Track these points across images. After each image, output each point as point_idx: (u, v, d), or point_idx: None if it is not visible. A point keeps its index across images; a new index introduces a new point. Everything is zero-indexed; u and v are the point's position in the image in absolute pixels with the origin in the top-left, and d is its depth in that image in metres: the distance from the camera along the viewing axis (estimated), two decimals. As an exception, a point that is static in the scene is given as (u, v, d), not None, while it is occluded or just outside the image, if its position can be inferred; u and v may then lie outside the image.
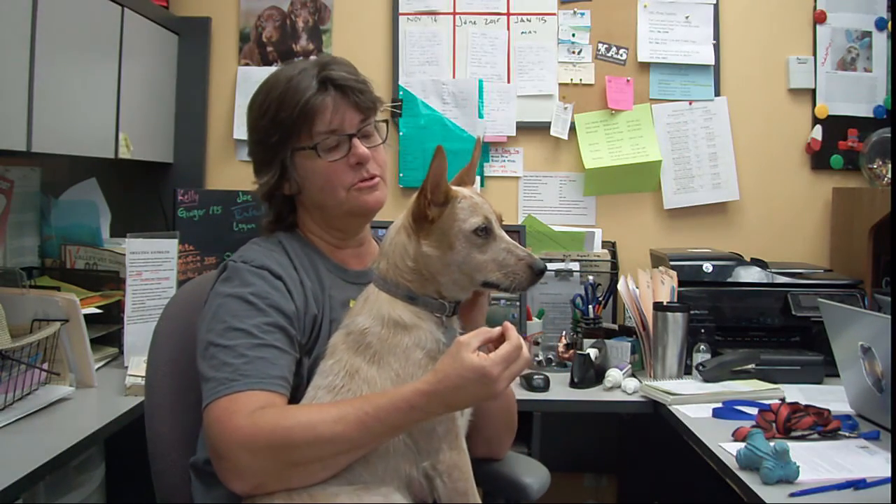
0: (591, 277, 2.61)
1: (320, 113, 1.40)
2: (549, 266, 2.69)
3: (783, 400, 1.92)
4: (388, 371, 1.27)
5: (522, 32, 2.98)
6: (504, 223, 1.38)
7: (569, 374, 2.29)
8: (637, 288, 2.44)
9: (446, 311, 1.34)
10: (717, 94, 2.97)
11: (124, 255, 2.18)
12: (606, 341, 2.40)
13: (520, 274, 1.30)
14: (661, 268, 2.51)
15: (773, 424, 1.75)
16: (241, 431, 1.18)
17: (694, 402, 2.06)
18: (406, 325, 1.30)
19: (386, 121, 1.51)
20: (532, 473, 1.59)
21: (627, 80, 2.96)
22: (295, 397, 1.31)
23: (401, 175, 2.96)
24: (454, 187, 1.35)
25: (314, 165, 1.42)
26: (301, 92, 1.39)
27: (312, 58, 1.51)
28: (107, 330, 2.22)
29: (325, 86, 1.41)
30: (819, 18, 2.95)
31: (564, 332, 2.51)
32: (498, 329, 1.24)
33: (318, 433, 1.19)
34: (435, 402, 1.20)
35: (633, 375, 2.29)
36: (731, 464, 1.58)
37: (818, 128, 2.96)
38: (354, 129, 1.43)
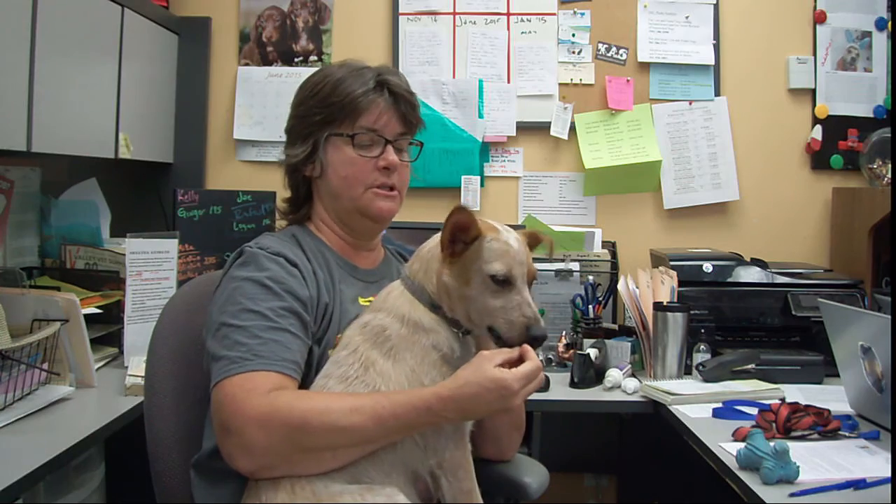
0: (591, 277, 2.61)
1: (368, 110, 1.46)
2: (549, 266, 2.71)
3: (783, 400, 1.92)
4: (404, 366, 1.28)
5: (522, 32, 2.98)
6: (504, 223, 1.37)
7: (569, 374, 2.29)
8: (637, 288, 2.44)
9: (462, 328, 1.34)
10: (717, 94, 2.97)
11: (124, 255, 2.18)
12: (606, 341, 2.40)
13: (517, 331, 1.27)
14: (661, 268, 2.51)
15: (773, 424, 1.75)
16: (258, 409, 1.19)
17: (694, 402, 2.06)
18: (425, 328, 1.31)
19: (421, 144, 1.56)
20: (531, 473, 1.59)
21: (627, 80, 2.96)
22: (304, 385, 1.31)
23: (401, 175, 2.95)
24: (496, 224, 1.34)
25: (344, 154, 1.47)
26: (358, 84, 1.46)
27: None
28: (107, 330, 2.22)
29: (382, 88, 1.48)
30: (819, 18, 2.95)
31: (564, 332, 2.51)
32: (517, 350, 1.26)
33: (334, 420, 1.19)
34: (451, 408, 1.21)
35: (633, 375, 2.29)
36: (731, 464, 1.58)
37: (818, 128, 2.96)
38: (392, 137, 1.49)
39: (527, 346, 1.26)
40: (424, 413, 1.21)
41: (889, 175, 2.74)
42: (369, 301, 1.45)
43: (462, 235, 1.29)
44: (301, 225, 1.55)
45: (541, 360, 2.49)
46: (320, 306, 1.39)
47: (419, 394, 1.23)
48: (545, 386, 2.22)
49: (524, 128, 2.97)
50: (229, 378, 1.23)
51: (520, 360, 1.26)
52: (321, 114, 1.47)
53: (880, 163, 2.78)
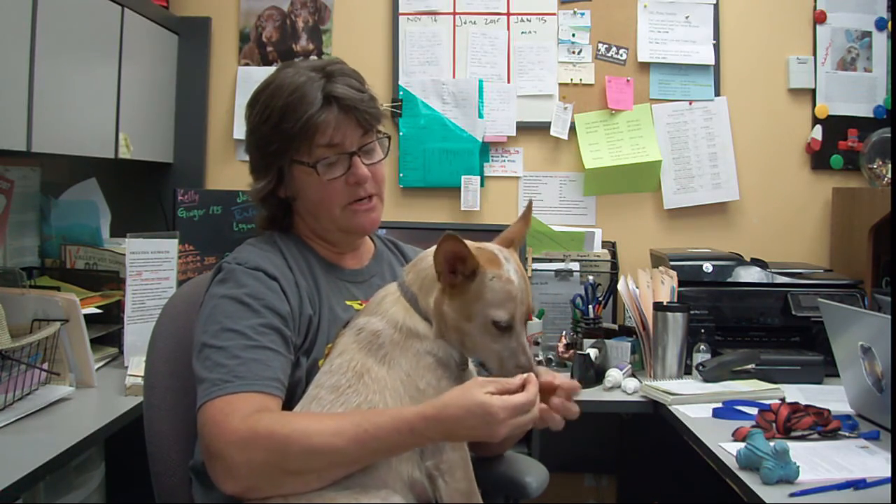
0: (591, 277, 2.61)
1: (322, 130, 1.39)
2: (549, 266, 2.71)
3: (783, 400, 1.92)
4: (399, 371, 1.27)
5: (522, 32, 2.98)
6: (504, 223, 1.37)
7: (569, 374, 2.29)
8: (637, 288, 2.43)
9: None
10: (717, 94, 2.97)
11: (124, 255, 2.18)
12: (606, 341, 2.40)
13: (507, 374, 1.25)
14: (661, 268, 2.51)
15: (773, 424, 1.75)
16: (238, 433, 1.18)
17: (694, 402, 2.06)
18: (419, 335, 1.30)
19: (388, 136, 1.50)
20: (531, 472, 1.59)
21: (627, 80, 2.96)
22: (293, 398, 1.31)
23: (401, 175, 2.96)
24: (494, 250, 1.30)
25: (311, 181, 1.42)
26: (305, 106, 1.38)
27: (313, 58, 1.51)
28: (107, 330, 2.22)
29: (329, 102, 1.40)
30: (819, 18, 2.95)
31: (564, 332, 2.51)
32: (518, 380, 1.21)
33: (314, 444, 1.18)
34: (434, 428, 1.18)
35: (633, 375, 2.29)
36: (731, 464, 1.58)
37: (818, 128, 2.96)
38: (355, 147, 1.43)
39: (532, 377, 1.22)
40: (408, 434, 1.18)
41: (889, 175, 2.74)
42: (359, 303, 1.44)
43: (460, 266, 1.26)
44: (284, 230, 1.51)
45: (540, 360, 2.50)
46: (303, 319, 1.37)
47: (403, 414, 1.20)
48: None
49: (524, 128, 2.97)
50: (211, 402, 1.22)
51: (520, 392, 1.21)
52: (276, 142, 1.41)
53: (880, 163, 2.78)
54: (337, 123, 1.40)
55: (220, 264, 1.41)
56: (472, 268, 1.26)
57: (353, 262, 1.52)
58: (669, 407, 2.04)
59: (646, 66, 2.97)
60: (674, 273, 2.45)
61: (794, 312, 2.41)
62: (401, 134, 2.96)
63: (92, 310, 2.10)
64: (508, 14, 2.98)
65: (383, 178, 1.49)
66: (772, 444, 1.50)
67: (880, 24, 2.96)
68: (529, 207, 1.41)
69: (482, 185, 2.96)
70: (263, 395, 1.25)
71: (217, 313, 1.32)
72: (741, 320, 2.45)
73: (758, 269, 2.53)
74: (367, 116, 1.43)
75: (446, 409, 1.18)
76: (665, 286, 2.41)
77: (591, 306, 2.51)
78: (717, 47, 2.96)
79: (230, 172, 3.01)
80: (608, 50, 2.97)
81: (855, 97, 2.96)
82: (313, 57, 2.96)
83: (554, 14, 2.97)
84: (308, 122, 1.38)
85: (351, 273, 1.50)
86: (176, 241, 2.31)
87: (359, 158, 1.42)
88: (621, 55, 2.97)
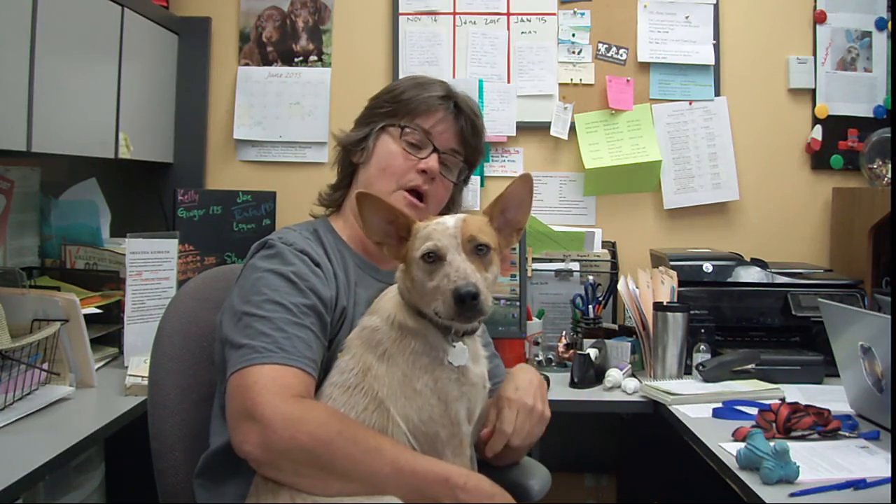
0: (591, 277, 2.61)
1: (429, 113, 1.52)
2: (549, 266, 2.71)
3: (783, 400, 1.92)
4: (396, 370, 1.28)
5: (522, 32, 2.98)
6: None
7: (569, 374, 2.29)
8: (637, 288, 2.44)
9: (450, 334, 1.31)
10: (717, 94, 2.97)
11: (124, 255, 2.18)
12: (606, 341, 2.40)
13: (448, 302, 1.21)
14: (661, 268, 2.51)
15: (773, 424, 1.75)
16: (292, 408, 1.18)
17: (694, 402, 2.06)
18: (410, 329, 1.30)
19: (468, 176, 1.62)
20: (533, 475, 1.59)
21: (627, 80, 2.96)
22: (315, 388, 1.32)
23: (401, 175, 2.95)
24: (445, 217, 1.31)
25: (387, 145, 1.51)
26: (428, 91, 1.54)
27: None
28: (107, 330, 2.22)
29: (449, 99, 1.54)
30: (819, 18, 2.95)
31: (564, 332, 2.51)
32: None
33: (357, 452, 1.18)
34: (470, 489, 1.17)
35: (633, 375, 2.29)
36: (731, 464, 1.58)
37: (818, 128, 2.96)
38: (443, 148, 1.52)
39: None
40: (443, 483, 1.17)
41: (889, 175, 2.74)
42: None
43: (402, 231, 1.30)
44: (324, 220, 1.56)
45: (540, 360, 2.50)
46: (338, 308, 1.39)
47: (444, 464, 1.21)
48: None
49: (524, 128, 2.97)
50: (255, 366, 1.22)
51: None
52: (387, 107, 1.54)
53: (880, 163, 2.78)
54: (444, 117, 1.53)
55: (266, 240, 1.42)
56: (405, 224, 1.30)
57: (390, 263, 1.53)
58: (669, 407, 2.04)
59: (646, 66, 2.97)
60: (674, 273, 2.45)
61: (794, 312, 2.41)
62: (401, 134, 2.95)
63: (92, 310, 2.10)
64: (508, 14, 2.98)
65: (440, 201, 1.56)
66: (772, 444, 1.50)
67: (880, 24, 2.96)
68: (528, 181, 1.34)
69: (482, 185, 2.96)
70: (305, 374, 1.26)
71: (261, 285, 1.32)
72: (741, 320, 2.45)
73: (758, 269, 2.53)
74: (469, 132, 1.54)
75: (473, 480, 1.19)
76: (665, 286, 2.41)
77: (591, 306, 2.51)
78: (717, 47, 2.96)
79: (230, 172, 3.01)
80: (608, 50, 2.97)
81: (855, 97, 2.96)
82: (313, 57, 2.97)
83: (554, 14, 2.97)
84: (424, 101, 1.52)
85: (386, 274, 1.51)
86: (176, 241, 2.31)
87: (438, 156, 1.51)
88: (621, 55, 2.97)
